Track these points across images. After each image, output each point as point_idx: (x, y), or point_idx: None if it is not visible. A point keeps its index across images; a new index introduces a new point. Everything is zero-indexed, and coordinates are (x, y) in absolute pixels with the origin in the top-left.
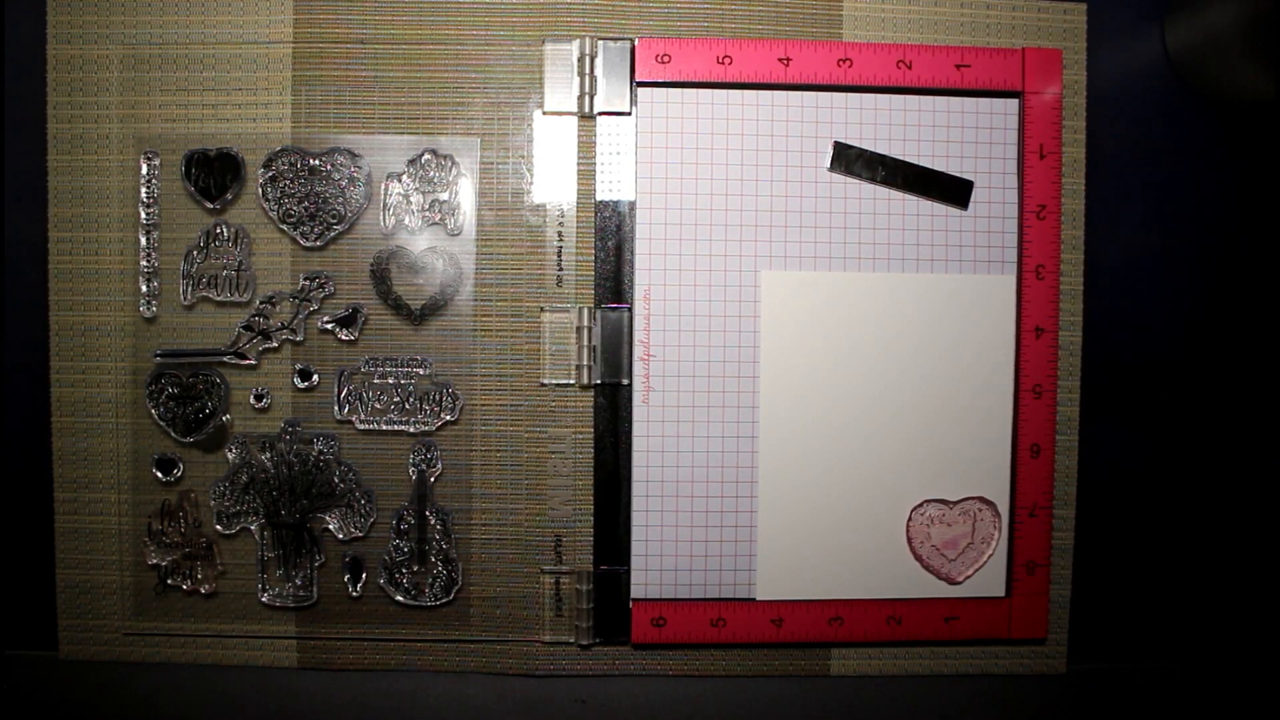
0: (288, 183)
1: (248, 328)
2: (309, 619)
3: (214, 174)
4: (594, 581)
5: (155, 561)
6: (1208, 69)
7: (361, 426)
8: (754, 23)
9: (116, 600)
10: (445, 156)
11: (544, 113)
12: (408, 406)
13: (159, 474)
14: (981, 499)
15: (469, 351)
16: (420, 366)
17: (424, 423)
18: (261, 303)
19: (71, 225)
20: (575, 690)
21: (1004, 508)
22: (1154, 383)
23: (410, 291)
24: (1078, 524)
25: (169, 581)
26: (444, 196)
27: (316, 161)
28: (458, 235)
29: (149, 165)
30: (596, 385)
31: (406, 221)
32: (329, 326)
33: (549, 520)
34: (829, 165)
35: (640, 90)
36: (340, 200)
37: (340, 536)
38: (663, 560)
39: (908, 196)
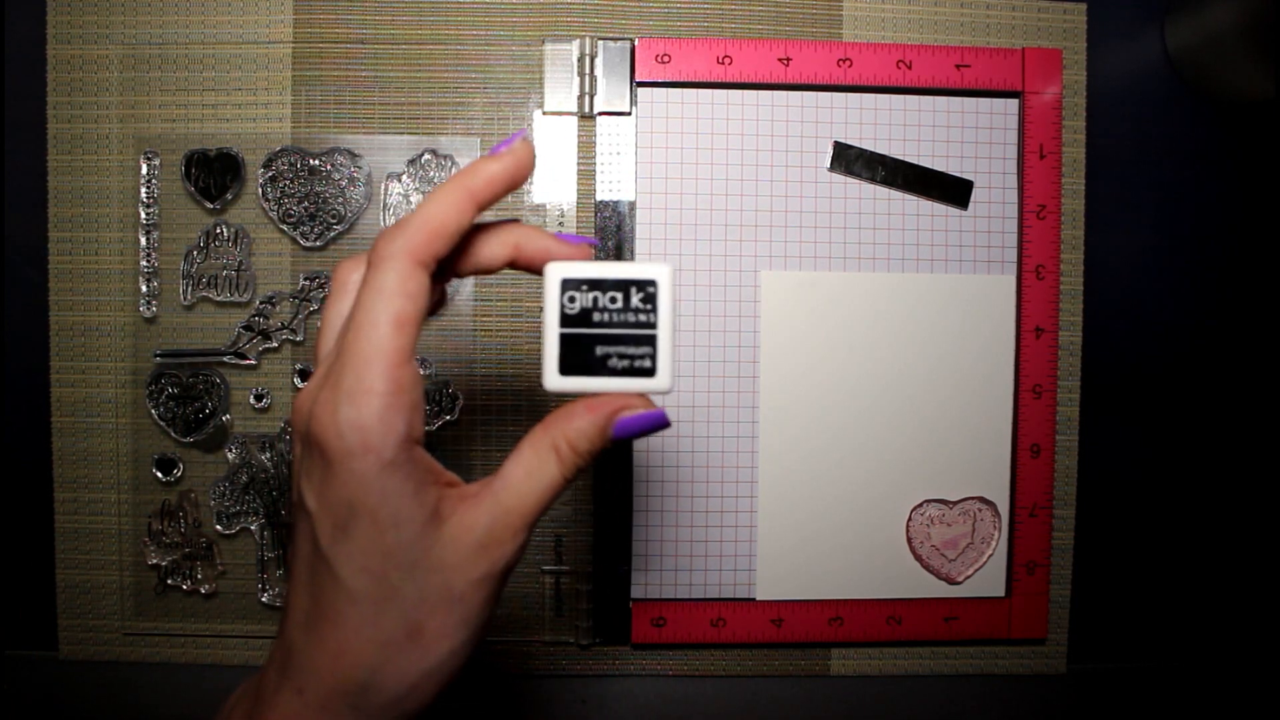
0: (288, 183)
1: (248, 328)
2: None
3: (214, 174)
4: (594, 581)
5: (155, 561)
6: (1208, 69)
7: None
8: (754, 23)
9: (116, 600)
10: (445, 156)
11: (544, 113)
12: None
13: (159, 474)
14: (981, 499)
15: (469, 351)
16: (420, 366)
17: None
18: (261, 303)
19: (71, 225)
20: (575, 690)
21: (1004, 508)
22: (1154, 383)
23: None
24: (1078, 524)
25: (169, 581)
26: None
27: (316, 161)
28: None
29: (149, 165)
30: None
31: None
32: None
33: (549, 520)
34: (829, 165)
35: (640, 90)
36: (340, 200)
37: None
38: (663, 560)
39: (908, 196)
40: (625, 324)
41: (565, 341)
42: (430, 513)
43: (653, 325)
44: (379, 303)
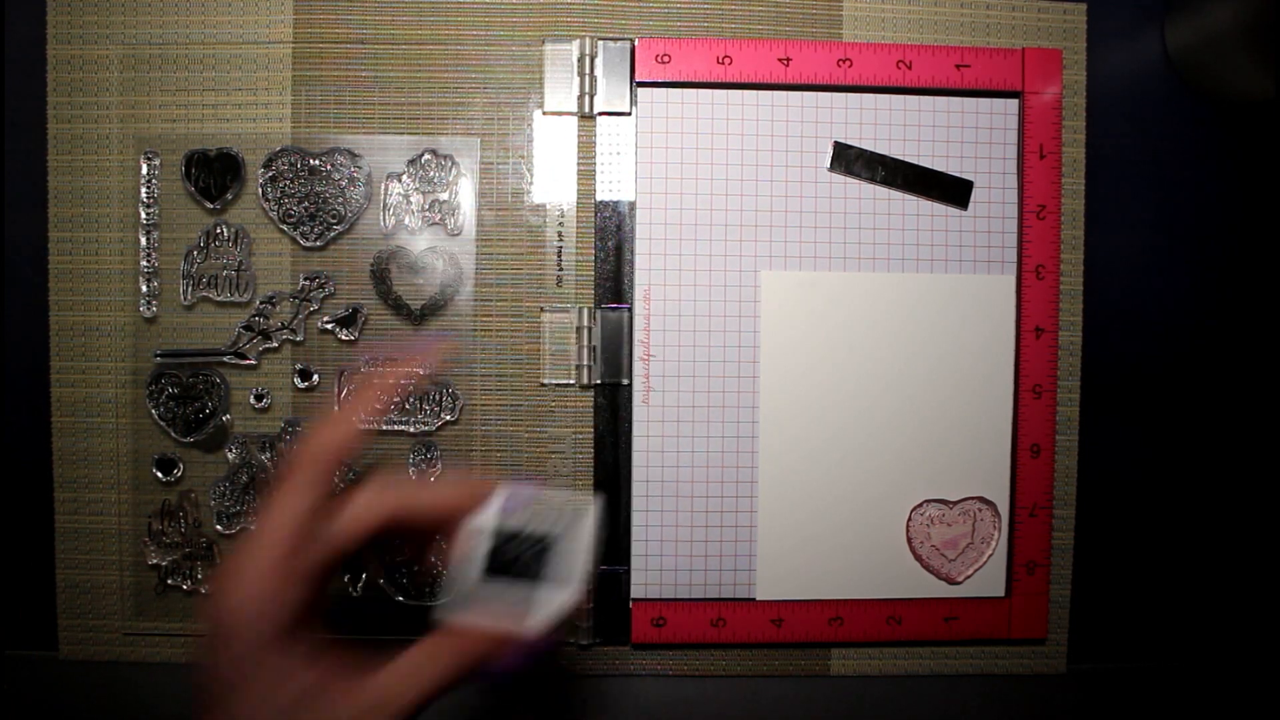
0: (288, 183)
1: (248, 328)
2: None
3: (214, 174)
4: (594, 581)
5: (155, 561)
6: (1208, 69)
7: (361, 426)
8: (754, 23)
9: (116, 600)
10: (445, 156)
11: (544, 113)
12: (408, 406)
13: (159, 474)
14: (981, 499)
15: (469, 351)
16: (420, 366)
17: (424, 423)
18: (261, 303)
19: (71, 225)
20: (575, 690)
21: (1004, 508)
22: (1154, 383)
23: (410, 291)
24: (1078, 524)
25: (169, 581)
26: (444, 196)
27: (316, 161)
28: (458, 235)
29: (149, 165)
30: (596, 385)
31: (406, 221)
32: (329, 326)
33: None
34: (829, 165)
35: (640, 90)
36: (340, 200)
37: None
38: (663, 560)
39: (908, 196)
40: (534, 571)
41: (487, 579)
42: (302, 693)
43: (557, 572)
44: (279, 506)
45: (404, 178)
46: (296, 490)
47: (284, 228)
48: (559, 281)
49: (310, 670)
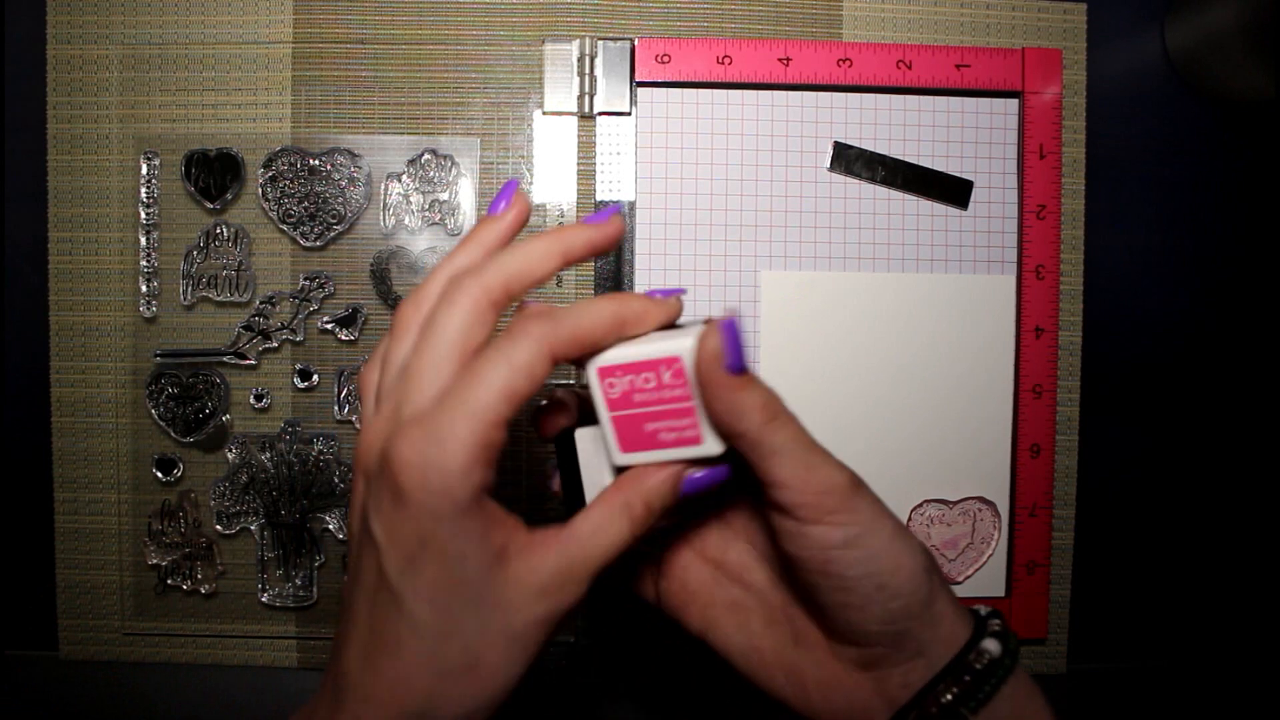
0: (288, 183)
1: (248, 328)
2: (309, 619)
3: (214, 174)
4: (594, 581)
5: (155, 561)
6: (1208, 69)
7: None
8: (754, 23)
9: (116, 600)
10: (445, 156)
11: (544, 113)
12: None
13: (159, 474)
14: (981, 499)
15: None
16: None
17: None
18: (261, 303)
19: (71, 225)
20: (573, 690)
21: (1004, 508)
22: (1154, 383)
23: (410, 291)
24: (1078, 524)
25: (169, 581)
26: (444, 196)
27: (316, 161)
28: (458, 235)
29: (149, 165)
30: None
31: (406, 221)
32: (329, 326)
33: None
34: (829, 165)
35: (640, 90)
36: (340, 200)
37: (340, 536)
38: None
39: (908, 196)
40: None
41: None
42: (496, 554)
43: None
44: (502, 370)
45: (404, 178)
46: (516, 367)
47: (284, 228)
48: (559, 281)
49: (501, 530)
